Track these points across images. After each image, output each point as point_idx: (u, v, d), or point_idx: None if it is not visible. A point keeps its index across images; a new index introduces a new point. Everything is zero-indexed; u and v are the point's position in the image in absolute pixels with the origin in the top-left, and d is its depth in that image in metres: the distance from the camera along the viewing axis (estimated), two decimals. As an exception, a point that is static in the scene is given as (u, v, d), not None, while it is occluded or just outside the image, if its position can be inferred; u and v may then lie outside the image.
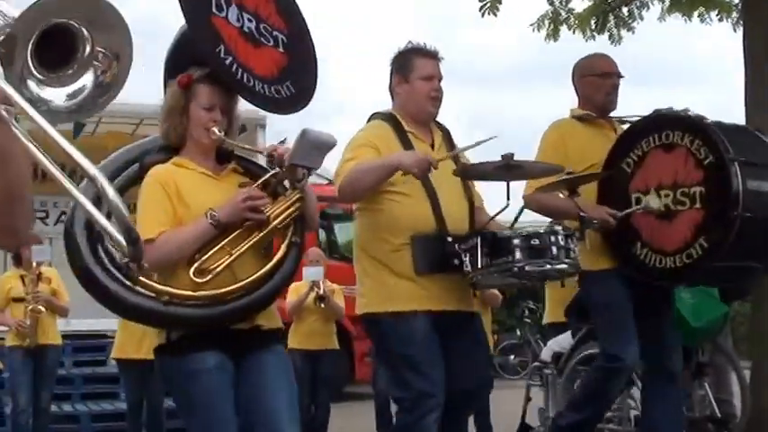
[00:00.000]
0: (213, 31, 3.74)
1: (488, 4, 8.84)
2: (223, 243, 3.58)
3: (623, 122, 5.34)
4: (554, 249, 4.15)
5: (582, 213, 4.57)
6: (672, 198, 4.77)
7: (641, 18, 9.59)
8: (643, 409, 5.33)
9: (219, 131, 3.69)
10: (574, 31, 9.59)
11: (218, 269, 3.54)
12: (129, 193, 3.82)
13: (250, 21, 3.89)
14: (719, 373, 6.78)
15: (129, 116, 12.12)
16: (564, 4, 9.57)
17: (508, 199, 4.27)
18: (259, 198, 3.63)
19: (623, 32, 9.62)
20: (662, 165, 4.84)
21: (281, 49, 3.99)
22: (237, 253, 3.59)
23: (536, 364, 7.51)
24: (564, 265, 4.20)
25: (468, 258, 4.20)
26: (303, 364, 8.49)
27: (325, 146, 3.68)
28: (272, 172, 3.74)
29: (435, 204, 4.37)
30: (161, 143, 3.87)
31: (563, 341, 6.95)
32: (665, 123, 4.93)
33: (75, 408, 10.42)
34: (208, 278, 3.51)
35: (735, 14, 9.30)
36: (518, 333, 17.48)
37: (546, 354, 7.09)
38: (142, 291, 3.61)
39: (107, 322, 9.86)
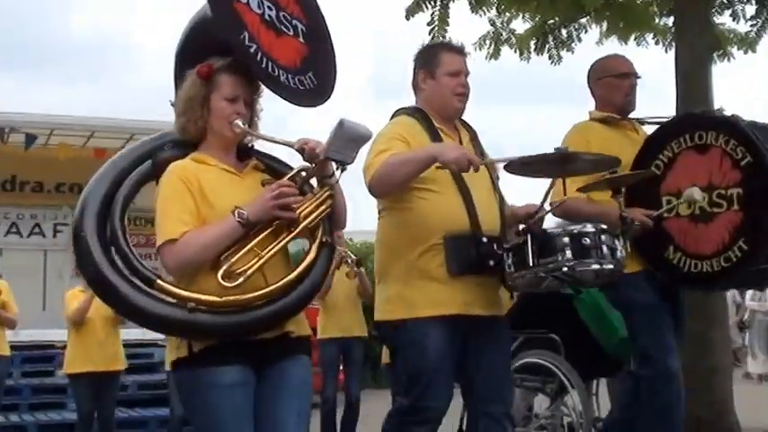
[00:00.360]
0: (237, 17, 3.42)
1: (436, 27, 9.03)
2: (252, 244, 3.22)
3: (643, 124, 5.10)
4: (604, 249, 3.86)
5: (624, 214, 4.27)
6: (707, 200, 4.50)
7: (579, 40, 9.67)
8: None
9: (243, 124, 3.37)
10: (516, 51, 9.67)
11: (249, 272, 3.17)
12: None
13: (270, 8, 3.60)
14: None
15: (81, 129, 12.13)
16: (505, 25, 9.63)
17: (564, 194, 4.00)
18: (291, 195, 3.28)
19: (563, 53, 9.70)
20: (695, 166, 4.56)
21: (301, 39, 3.69)
22: (268, 255, 3.23)
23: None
24: (611, 266, 3.89)
25: (511, 258, 3.91)
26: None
27: (361, 139, 3.37)
28: (299, 168, 3.42)
29: (468, 202, 4.06)
30: (173, 138, 3.51)
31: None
32: (697, 123, 4.65)
33: (22, 418, 10.18)
34: (239, 281, 3.14)
35: (669, 36, 9.46)
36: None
37: (484, 362, 7.19)
38: (163, 297, 3.22)
39: (55, 333, 9.89)
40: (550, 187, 4.13)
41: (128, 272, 3.27)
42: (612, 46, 9.83)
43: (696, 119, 4.75)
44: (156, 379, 10.55)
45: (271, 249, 3.26)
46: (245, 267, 3.18)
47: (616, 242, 3.94)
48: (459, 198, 4.06)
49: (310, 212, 3.36)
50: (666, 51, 9.54)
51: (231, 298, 3.16)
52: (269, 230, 3.28)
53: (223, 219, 3.21)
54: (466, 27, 9.79)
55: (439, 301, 4.02)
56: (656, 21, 9.67)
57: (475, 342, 4.11)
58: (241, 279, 3.15)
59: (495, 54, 9.73)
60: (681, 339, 4.95)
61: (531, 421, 6.44)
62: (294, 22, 3.70)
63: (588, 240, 3.84)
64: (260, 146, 3.61)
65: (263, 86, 3.49)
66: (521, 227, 4.00)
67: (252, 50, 3.40)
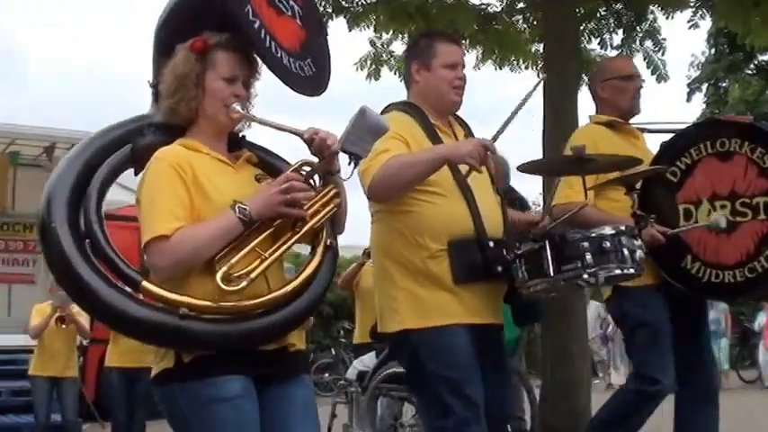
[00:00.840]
0: None
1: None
2: (254, 244, 2.76)
3: (643, 131, 4.81)
4: (624, 252, 3.51)
5: (638, 212, 3.92)
6: (730, 209, 4.21)
7: (456, 63, 9.84)
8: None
9: (242, 109, 2.92)
10: (395, 72, 9.70)
11: (254, 275, 2.71)
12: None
13: None
14: (512, 391, 7.03)
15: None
16: (385, 46, 9.65)
17: (586, 196, 3.68)
18: (300, 190, 2.83)
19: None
20: (716, 174, 4.25)
21: (298, 22, 3.22)
22: (273, 257, 2.78)
23: (341, 382, 7.68)
24: (632, 269, 3.55)
25: (524, 265, 3.54)
26: (120, 382, 8.43)
27: (380, 131, 3.00)
28: (302, 161, 2.95)
29: (472, 205, 3.67)
30: (153, 120, 3.02)
31: (368, 360, 7.10)
32: (720, 130, 4.32)
33: None
34: (242, 285, 2.68)
35: (540, 62, 9.62)
36: (333, 352, 17.66)
37: (351, 372, 7.23)
38: (148, 301, 2.74)
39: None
40: (552, 192, 3.90)
41: (107, 270, 2.79)
42: (489, 70, 9.98)
43: (719, 124, 4.43)
44: (30, 386, 10.27)
45: (276, 251, 2.81)
46: (246, 270, 2.73)
47: (635, 243, 3.61)
48: (462, 201, 3.68)
49: (316, 212, 2.92)
50: (538, 76, 9.72)
51: (228, 304, 2.72)
52: (270, 230, 2.83)
53: (222, 214, 2.75)
54: (347, 47, 9.82)
55: (449, 311, 3.64)
56: (529, 47, 9.82)
57: (480, 352, 3.71)
58: (244, 283, 2.71)
59: (376, 74, 9.77)
60: (710, 353, 4.70)
61: (397, 430, 6.49)
62: (291, 2, 3.24)
63: (608, 244, 3.49)
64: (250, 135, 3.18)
65: (260, 69, 3.05)
66: (534, 231, 3.73)
67: (256, 26, 2.95)
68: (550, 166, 3.82)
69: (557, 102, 7.90)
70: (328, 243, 2.98)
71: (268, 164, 3.11)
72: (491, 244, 3.64)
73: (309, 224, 2.89)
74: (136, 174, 3.00)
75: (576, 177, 3.92)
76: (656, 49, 9.47)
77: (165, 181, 2.77)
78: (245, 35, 2.93)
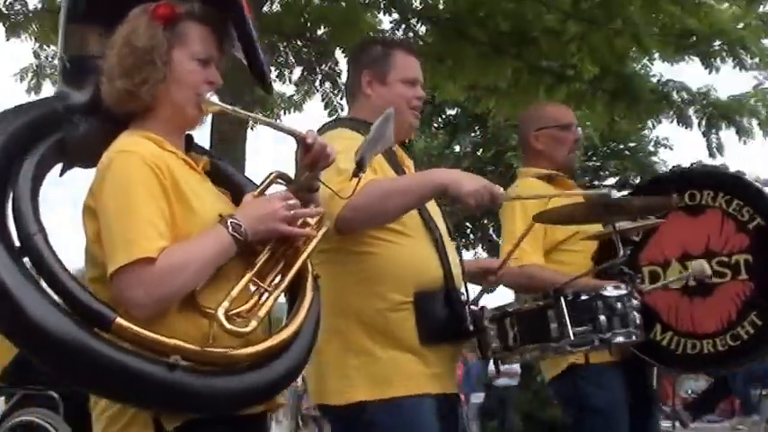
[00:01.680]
0: None
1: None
2: (253, 273, 2.21)
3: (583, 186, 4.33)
4: (635, 315, 3.08)
5: (626, 269, 3.43)
6: None
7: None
8: None
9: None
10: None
11: (262, 313, 2.17)
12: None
13: None
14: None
15: None
16: (50, 59, 9.26)
17: (618, 249, 3.19)
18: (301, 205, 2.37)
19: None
20: (686, 231, 3.80)
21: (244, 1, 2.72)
22: (279, 289, 2.25)
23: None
24: (634, 337, 3.12)
25: (516, 327, 3.01)
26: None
27: (388, 143, 2.65)
28: (275, 174, 2.43)
29: (441, 249, 3.10)
30: (70, 103, 2.36)
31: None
32: (689, 182, 3.88)
33: None
34: (252, 325, 2.11)
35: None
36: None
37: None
38: (122, 344, 2.05)
39: None
40: (514, 248, 3.36)
41: (63, 301, 2.09)
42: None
43: (688, 175, 3.97)
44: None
45: (279, 282, 2.29)
46: (246, 307, 2.19)
47: (636, 304, 3.17)
48: (430, 244, 3.11)
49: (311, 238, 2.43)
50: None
51: (217, 350, 2.15)
52: (266, 255, 2.28)
53: (210, 232, 2.19)
54: (12, 56, 9.31)
55: (414, 378, 3.02)
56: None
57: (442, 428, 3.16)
58: (254, 322, 2.14)
59: (37, 88, 9.42)
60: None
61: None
62: None
63: (620, 305, 3.07)
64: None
65: (228, 49, 2.54)
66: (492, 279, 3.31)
67: None
68: (574, 214, 3.37)
69: (225, 137, 7.79)
70: (315, 277, 2.45)
71: (215, 168, 2.53)
72: (462, 297, 3.13)
73: (309, 249, 2.36)
74: (62, 173, 2.39)
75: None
76: (336, 92, 9.52)
77: (142, 184, 2.15)
78: (234, 6, 2.42)
